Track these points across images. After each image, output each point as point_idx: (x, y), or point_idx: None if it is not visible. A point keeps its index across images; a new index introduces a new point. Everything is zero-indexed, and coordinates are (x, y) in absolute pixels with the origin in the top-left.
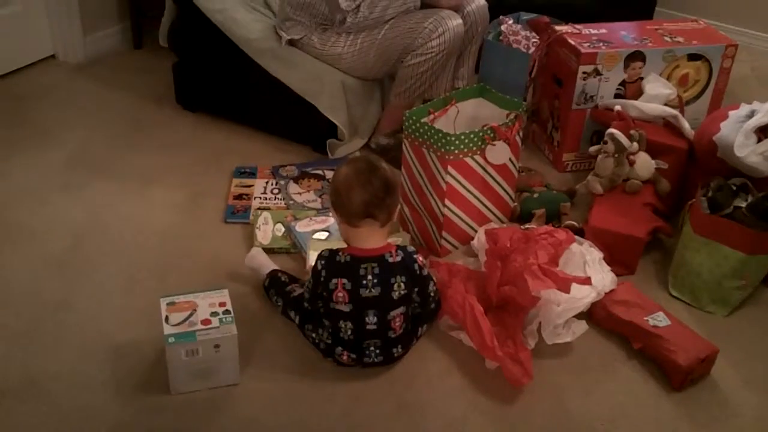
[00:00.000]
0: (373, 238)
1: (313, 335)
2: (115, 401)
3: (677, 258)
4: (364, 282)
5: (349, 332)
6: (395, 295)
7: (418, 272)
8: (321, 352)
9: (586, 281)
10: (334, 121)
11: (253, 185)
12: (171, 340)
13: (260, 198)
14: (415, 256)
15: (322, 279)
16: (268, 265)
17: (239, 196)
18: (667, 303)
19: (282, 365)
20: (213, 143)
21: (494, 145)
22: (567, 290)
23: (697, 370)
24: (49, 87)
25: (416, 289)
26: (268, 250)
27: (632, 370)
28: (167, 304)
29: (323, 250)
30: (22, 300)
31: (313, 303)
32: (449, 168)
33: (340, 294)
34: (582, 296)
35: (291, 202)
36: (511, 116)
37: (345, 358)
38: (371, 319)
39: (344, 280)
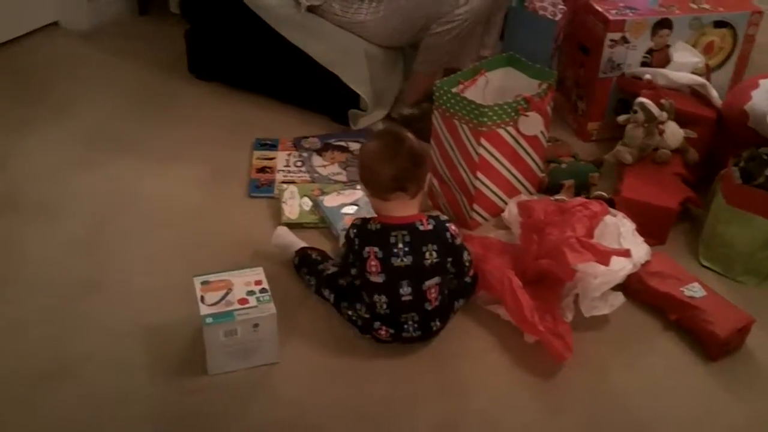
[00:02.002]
0: (403, 210)
1: (350, 312)
2: (151, 383)
3: (708, 228)
4: (395, 250)
5: (385, 306)
6: (427, 263)
7: (450, 241)
8: (358, 329)
9: (626, 253)
10: (358, 92)
11: (275, 158)
12: (209, 320)
13: (284, 171)
14: (447, 224)
15: (355, 247)
16: (296, 242)
17: (262, 170)
18: (698, 273)
19: (320, 344)
20: (230, 115)
21: (527, 116)
22: (607, 263)
23: (733, 340)
24: (55, 56)
25: (450, 260)
26: (296, 225)
27: (669, 342)
28: (201, 283)
29: (355, 219)
30: (51, 282)
31: (346, 273)
32: (482, 140)
33: (373, 263)
34: (619, 268)
35: (316, 174)
36: (544, 86)
37: (383, 333)
38: (405, 290)
39: (376, 249)
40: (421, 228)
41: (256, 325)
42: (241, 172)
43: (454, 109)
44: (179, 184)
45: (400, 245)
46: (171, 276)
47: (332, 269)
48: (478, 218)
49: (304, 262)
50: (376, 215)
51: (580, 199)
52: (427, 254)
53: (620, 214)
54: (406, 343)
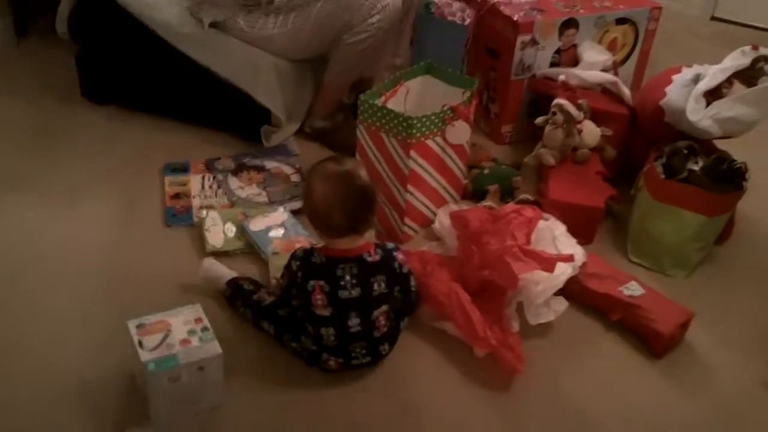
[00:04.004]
0: (351, 242)
1: (294, 344)
2: None
3: (636, 224)
4: (342, 283)
5: (332, 338)
6: (375, 293)
7: (398, 270)
8: (304, 360)
9: (570, 258)
10: (271, 109)
11: (188, 183)
12: (151, 366)
13: (200, 196)
14: (394, 253)
15: (298, 281)
16: (225, 273)
17: (176, 196)
18: (627, 269)
19: (266, 378)
20: (133, 140)
21: (454, 125)
22: (552, 270)
23: (676, 336)
24: None
25: (397, 288)
26: (222, 254)
27: (614, 343)
28: (137, 326)
29: (297, 250)
30: None
31: (286, 304)
32: (411, 152)
33: (319, 297)
34: (560, 273)
35: (234, 198)
36: (467, 94)
37: (332, 363)
38: (354, 321)
39: (321, 282)
40: (369, 259)
41: (201, 368)
42: (154, 200)
43: (380, 122)
44: (90, 221)
45: (348, 278)
46: (97, 324)
47: (269, 299)
48: (410, 232)
49: (238, 294)
50: (315, 243)
51: (513, 206)
52: (375, 285)
53: (551, 217)
54: (355, 369)
